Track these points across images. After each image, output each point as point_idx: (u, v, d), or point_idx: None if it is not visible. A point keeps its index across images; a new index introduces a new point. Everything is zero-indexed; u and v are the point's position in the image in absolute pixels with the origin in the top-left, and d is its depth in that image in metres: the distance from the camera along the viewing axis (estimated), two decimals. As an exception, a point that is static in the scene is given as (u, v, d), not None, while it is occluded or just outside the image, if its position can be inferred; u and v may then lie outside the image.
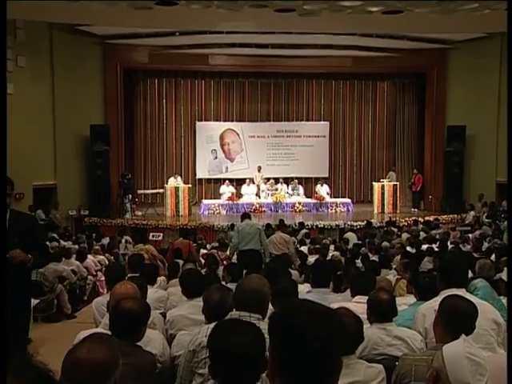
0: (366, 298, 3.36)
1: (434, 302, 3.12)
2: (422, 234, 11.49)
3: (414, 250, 8.85)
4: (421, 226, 13.35)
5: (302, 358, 1.28)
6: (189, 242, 9.12)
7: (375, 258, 8.24)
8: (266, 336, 1.60)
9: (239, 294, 2.74)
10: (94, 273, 9.46)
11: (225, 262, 7.73)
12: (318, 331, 1.29)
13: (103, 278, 7.84)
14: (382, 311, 3.17)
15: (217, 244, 10.81)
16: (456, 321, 2.53)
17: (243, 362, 1.78)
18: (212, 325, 2.71)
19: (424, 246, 9.17)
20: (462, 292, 3.12)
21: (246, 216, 8.85)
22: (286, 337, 1.30)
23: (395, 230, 12.99)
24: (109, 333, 2.64)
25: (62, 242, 11.09)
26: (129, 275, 4.70)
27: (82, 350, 1.73)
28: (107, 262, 9.63)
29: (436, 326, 2.65)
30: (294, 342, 1.29)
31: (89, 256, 9.65)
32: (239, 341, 1.79)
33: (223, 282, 4.73)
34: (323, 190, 16.92)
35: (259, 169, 17.34)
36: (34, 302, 6.71)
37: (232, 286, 3.87)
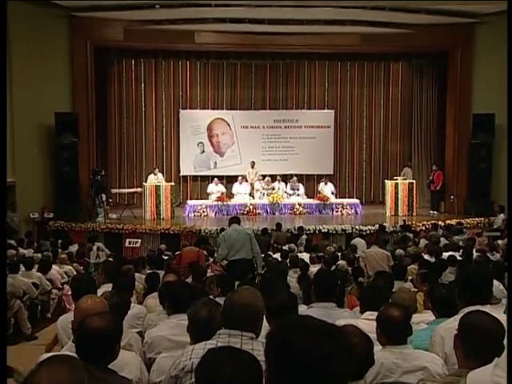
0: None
1: (455, 322, 3.11)
2: (443, 241, 11.52)
3: (433, 259, 8.87)
4: (441, 231, 13.38)
5: (302, 383, 1.27)
6: (198, 251, 9.05)
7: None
8: (261, 358, 1.59)
9: (228, 309, 2.74)
10: (60, 286, 9.42)
11: None
12: (321, 352, 1.28)
13: (70, 292, 7.81)
14: (394, 330, 3.17)
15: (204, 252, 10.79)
16: (478, 342, 2.47)
17: None
18: (198, 346, 2.72)
19: (445, 255, 9.18)
20: (486, 310, 3.09)
21: (233, 220, 8.85)
22: (283, 359, 1.30)
23: (411, 235, 13.01)
24: (75, 355, 2.63)
25: (21, 250, 11.03)
26: (110, 289, 4.69)
27: (42, 375, 1.72)
28: (75, 273, 9.58)
29: (456, 349, 2.62)
30: (292, 365, 1.28)
31: (53, 266, 9.61)
32: (231, 372, 1.79)
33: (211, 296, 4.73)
34: (327, 189, 16.94)
35: (253, 164, 17.35)
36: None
37: (221, 300, 3.88)
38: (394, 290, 5.79)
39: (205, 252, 9.75)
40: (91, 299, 3.27)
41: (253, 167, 17.35)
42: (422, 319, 4.28)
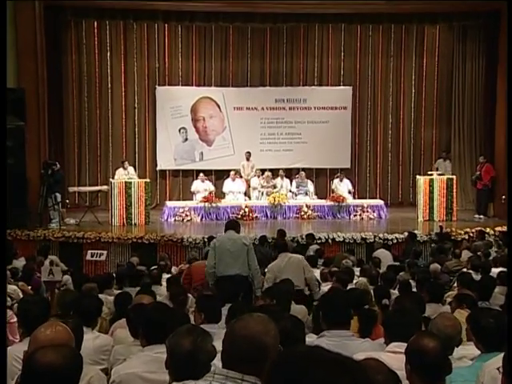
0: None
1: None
2: (492, 253, 11.54)
3: (478, 276, 8.88)
4: (489, 240, 13.40)
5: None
6: None
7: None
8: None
9: (228, 342, 2.66)
10: (2, 311, 9.41)
11: None
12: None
13: (15, 319, 7.78)
14: (428, 367, 3.18)
15: (188, 266, 10.81)
16: None
17: None
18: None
19: (494, 271, 9.20)
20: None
21: (230, 225, 8.87)
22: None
23: (450, 245, 13.02)
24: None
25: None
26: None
27: None
28: (21, 295, 9.58)
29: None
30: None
31: (-6, 286, 9.59)
32: None
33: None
34: (343, 186, 16.96)
35: (248, 156, 17.33)
36: None
37: (209, 328, 3.88)
38: (426, 314, 5.82)
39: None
40: (52, 328, 3.25)
41: (248, 159, 17.33)
42: (465, 353, 4.26)
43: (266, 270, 8.94)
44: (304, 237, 13.75)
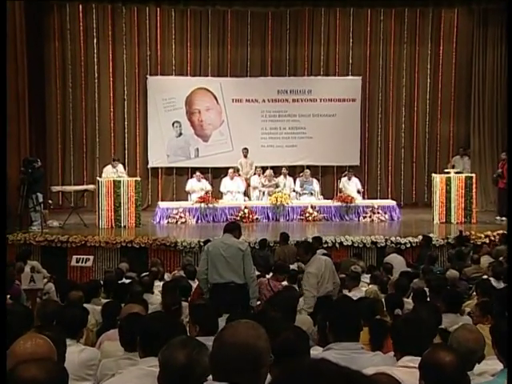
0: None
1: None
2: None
3: (500, 285, 8.87)
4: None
5: None
6: None
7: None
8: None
9: (218, 351, 2.69)
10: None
11: None
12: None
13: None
14: (444, 383, 3.18)
15: (181, 273, 10.81)
16: None
17: None
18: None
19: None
20: None
21: (228, 228, 8.84)
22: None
23: (469, 250, 13.02)
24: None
25: None
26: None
27: None
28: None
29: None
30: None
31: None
32: None
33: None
34: (351, 186, 16.96)
35: (245, 153, 17.33)
36: None
37: (205, 341, 3.88)
38: (443, 325, 5.82)
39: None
40: (32, 341, 3.24)
41: (245, 156, 17.32)
42: (487, 368, 4.25)
43: (305, 275, 8.82)
44: (310, 240, 13.74)
